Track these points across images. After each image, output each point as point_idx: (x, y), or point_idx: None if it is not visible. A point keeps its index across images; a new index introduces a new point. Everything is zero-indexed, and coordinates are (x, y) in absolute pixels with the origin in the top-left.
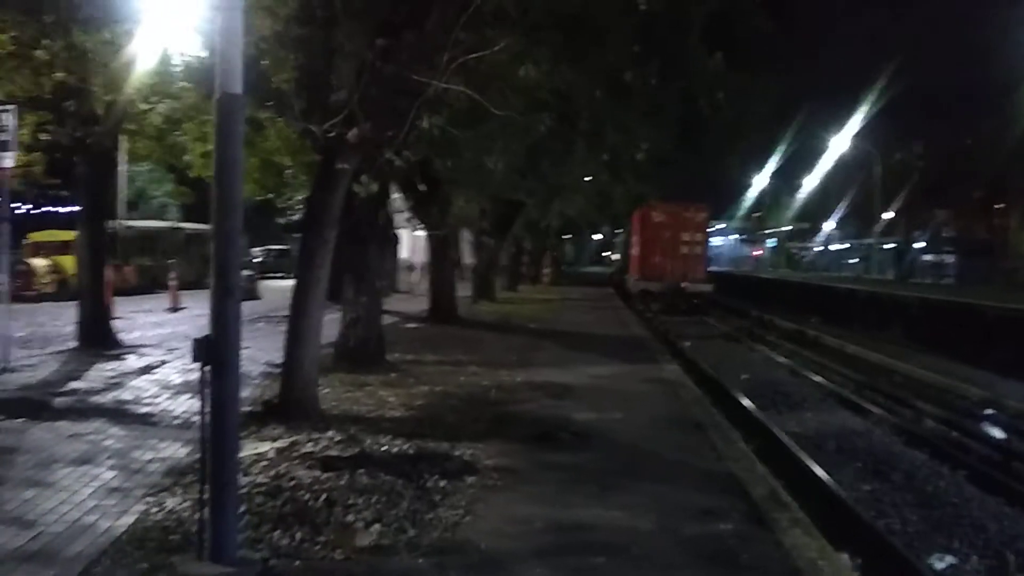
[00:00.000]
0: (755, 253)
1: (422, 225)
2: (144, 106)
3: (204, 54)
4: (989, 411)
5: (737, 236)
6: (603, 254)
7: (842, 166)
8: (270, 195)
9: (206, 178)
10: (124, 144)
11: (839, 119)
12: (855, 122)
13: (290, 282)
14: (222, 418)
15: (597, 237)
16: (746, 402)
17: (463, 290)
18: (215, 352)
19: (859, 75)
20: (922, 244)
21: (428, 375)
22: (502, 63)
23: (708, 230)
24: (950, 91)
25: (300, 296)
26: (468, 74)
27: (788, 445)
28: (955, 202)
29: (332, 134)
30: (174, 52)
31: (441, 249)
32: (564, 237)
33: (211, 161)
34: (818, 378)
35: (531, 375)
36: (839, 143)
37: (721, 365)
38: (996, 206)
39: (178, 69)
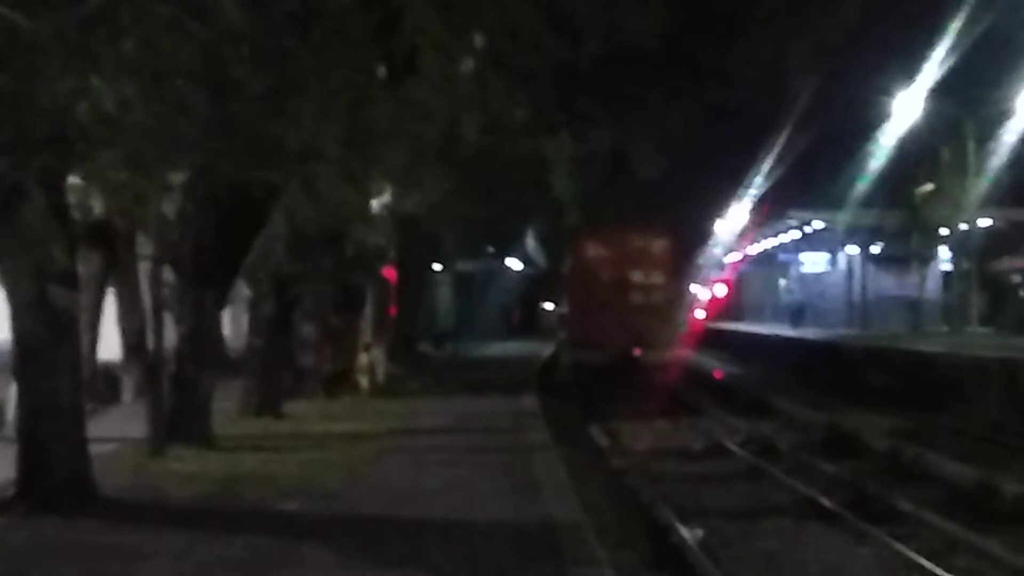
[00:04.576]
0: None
1: None
2: None
3: None
4: None
5: (859, 250)
6: (543, 306)
7: None
8: None
9: None
10: None
11: None
12: None
13: None
14: None
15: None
16: None
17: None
18: None
19: None
20: None
21: None
22: None
23: (686, 263)
24: None
25: None
26: None
27: None
28: None
29: None
30: None
31: (40, 328)
32: (434, 268)
33: None
34: None
35: None
36: None
37: None
38: None
39: None
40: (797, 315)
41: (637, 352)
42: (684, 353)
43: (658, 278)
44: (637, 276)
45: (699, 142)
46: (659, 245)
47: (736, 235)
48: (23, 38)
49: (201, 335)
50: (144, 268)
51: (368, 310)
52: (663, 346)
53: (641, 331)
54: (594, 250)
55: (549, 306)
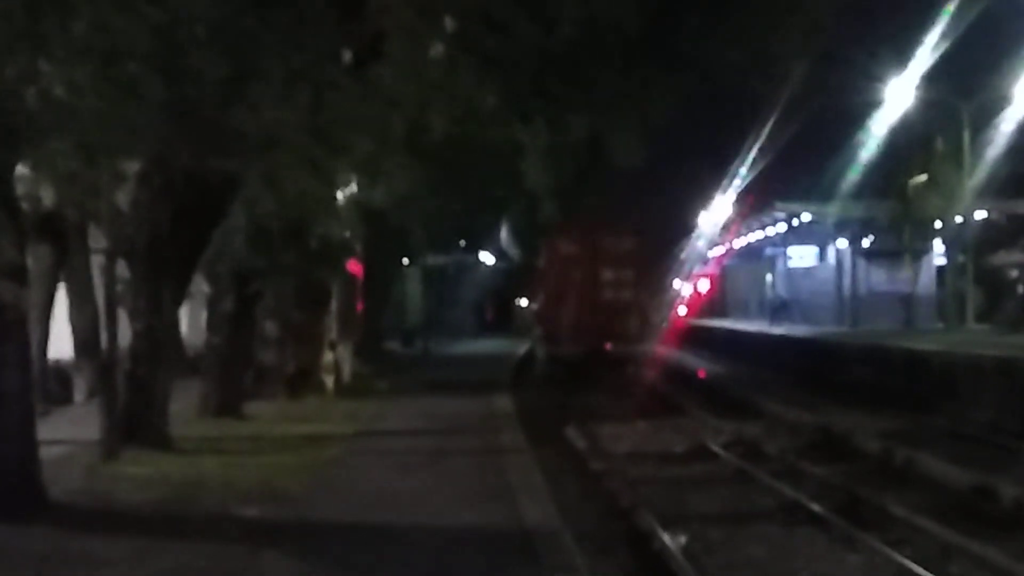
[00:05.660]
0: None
1: None
2: None
3: None
4: None
5: (849, 243)
6: (517, 301)
7: None
8: None
9: None
10: None
11: None
12: None
13: None
14: None
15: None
16: None
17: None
18: None
19: None
20: None
21: None
22: None
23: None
24: None
25: None
26: None
27: None
28: None
29: None
30: None
31: None
32: (406, 262)
33: None
34: None
35: None
36: None
37: None
38: None
39: None
40: (778, 312)
41: (608, 347)
42: (660, 349)
43: (628, 274)
44: (607, 273)
45: (682, 130)
46: (630, 242)
47: (720, 228)
48: None
49: (157, 332)
50: (97, 262)
51: (333, 306)
52: (634, 341)
53: (611, 326)
54: (566, 246)
55: (524, 302)
